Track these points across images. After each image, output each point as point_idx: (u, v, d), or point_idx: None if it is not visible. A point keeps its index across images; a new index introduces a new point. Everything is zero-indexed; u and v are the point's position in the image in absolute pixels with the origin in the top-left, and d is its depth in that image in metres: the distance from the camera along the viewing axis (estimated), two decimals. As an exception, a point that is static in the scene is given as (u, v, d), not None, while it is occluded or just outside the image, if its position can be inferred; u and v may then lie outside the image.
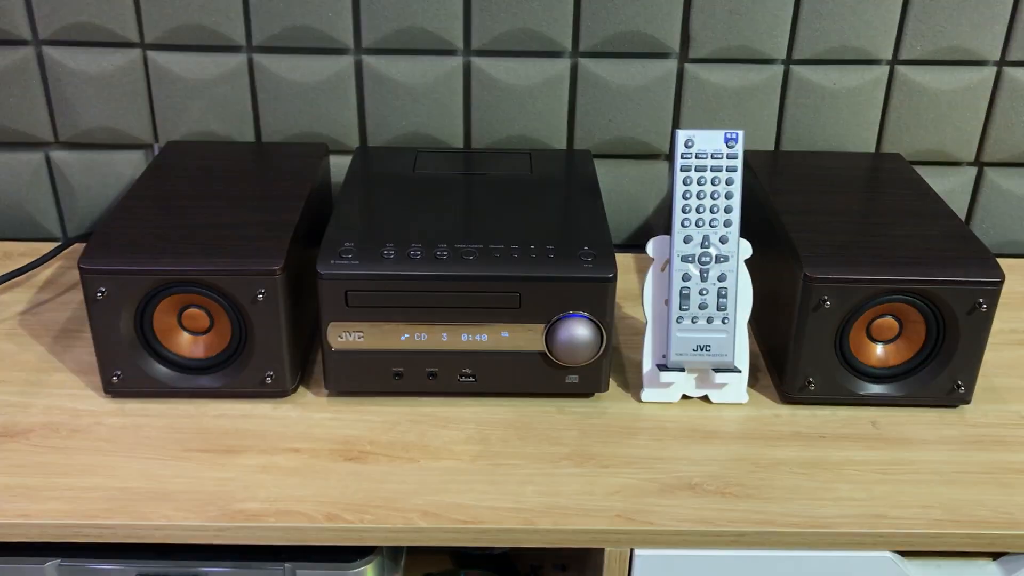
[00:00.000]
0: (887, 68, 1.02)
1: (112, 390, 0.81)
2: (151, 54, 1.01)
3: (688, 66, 1.02)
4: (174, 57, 1.01)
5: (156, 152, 1.06)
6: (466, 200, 0.88)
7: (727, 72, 1.02)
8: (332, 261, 0.77)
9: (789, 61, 1.02)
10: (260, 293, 0.76)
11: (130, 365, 0.80)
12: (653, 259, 0.81)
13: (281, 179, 0.91)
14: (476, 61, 1.02)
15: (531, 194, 0.89)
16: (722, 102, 1.03)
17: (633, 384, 0.85)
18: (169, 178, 0.92)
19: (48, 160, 1.07)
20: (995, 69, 1.02)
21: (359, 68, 1.02)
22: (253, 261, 0.77)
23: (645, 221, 1.10)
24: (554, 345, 0.79)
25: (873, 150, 1.06)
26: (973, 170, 1.08)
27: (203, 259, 0.77)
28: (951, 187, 1.08)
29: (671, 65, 1.02)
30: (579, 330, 0.78)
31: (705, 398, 0.83)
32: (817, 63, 1.02)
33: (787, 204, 0.88)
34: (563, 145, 1.06)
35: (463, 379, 0.81)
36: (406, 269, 0.77)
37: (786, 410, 0.82)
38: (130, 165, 1.07)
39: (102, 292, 0.76)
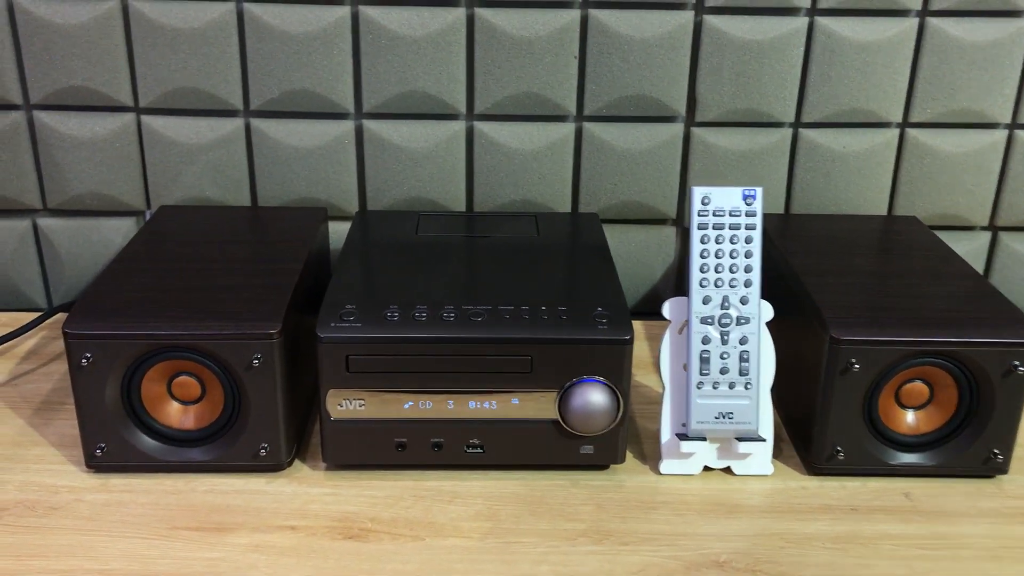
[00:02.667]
0: (897, 131, 1.01)
1: (95, 464, 0.75)
2: (145, 118, 0.99)
3: (695, 130, 1.00)
4: (169, 121, 0.99)
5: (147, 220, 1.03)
6: (472, 263, 0.85)
7: (735, 136, 1.00)
8: (332, 324, 0.73)
9: (798, 124, 1.00)
10: (256, 358, 0.72)
11: (115, 437, 0.74)
12: (670, 321, 0.77)
13: (278, 242, 0.88)
14: (479, 125, 1.00)
15: (539, 257, 0.86)
16: (730, 166, 1.01)
17: (650, 455, 0.80)
18: (161, 241, 0.88)
19: (35, 227, 1.03)
20: (1006, 132, 1.00)
21: (359, 133, 1.00)
22: (249, 324, 0.72)
23: (653, 287, 1.07)
24: (568, 413, 0.74)
25: (885, 214, 1.03)
26: (987, 235, 1.05)
27: (195, 323, 0.73)
28: (966, 251, 1.05)
29: (677, 129, 1.00)
30: (595, 396, 0.73)
31: (727, 470, 0.78)
32: (826, 126, 1.00)
33: (805, 266, 0.84)
34: (568, 210, 1.03)
35: (470, 450, 0.76)
36: (411, 332, 0.73)
37: (813, 482, 0.77)
38: (120, 232, 1.03)
39: (87, 358, 0.72)
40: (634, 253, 1.05)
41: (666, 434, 0.77)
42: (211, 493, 0.74)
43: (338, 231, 1.02)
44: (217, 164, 1.00)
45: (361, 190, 1.02)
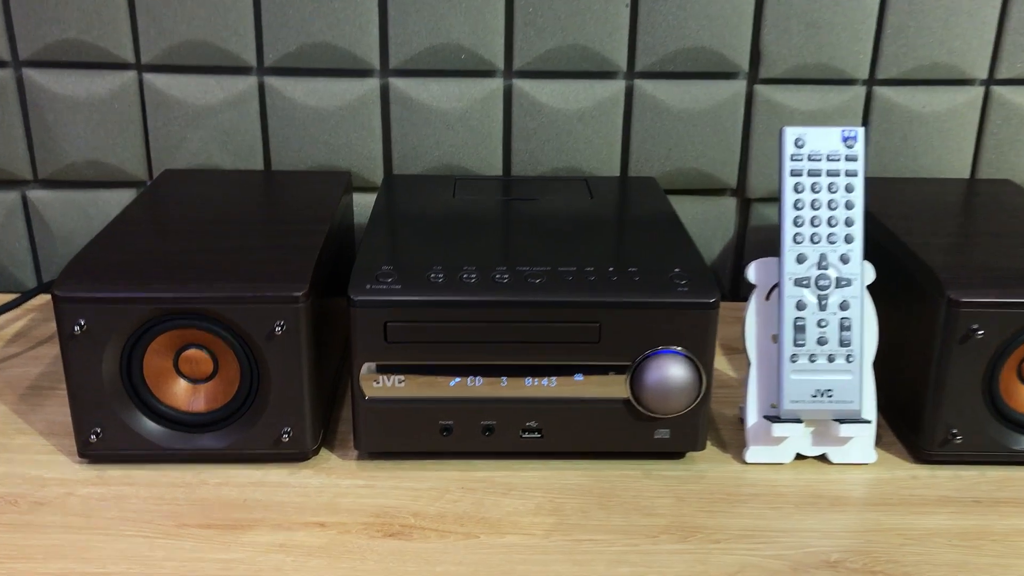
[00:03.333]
0: (982, 89, 0.91)
1: (89, 452, 0.65)
2: (147, 76, 0.89)
3: (759, 87, 0.90)
4: (174, 80, 0.89)
5: (150, 189, 0.92)
6: (522, 226, 0.74)
7: (803, 94, 0.90)
8: (368, 286, 0.63)
9: (872, 82, 0.90)
10: (279, 326, 0.62)
11: (113, 420, 0.64)
12: (756, 286, 0.67)
13: (299, 206, 0.78)
14: (518, 83, 0.90)
15: (597, 219, 0.76)
16: (797, 128, 0.91)
17: (730, 443, 0.70)
18: (165, 204, 0.78)
19: (25, 200, 0.93)
20: (1104, 88, 0.91)
21: (385, 92, 0.90)
22: (271, 287, 0.62)
23: (711, 265, 0.96)
24: (642, 389, 0.63)
25: (968, 178, 0.93)
26: (1080, 205, 0.95)
27: (207, 285, 0.62)
28: (1056, 224, 0.95)
29: (739, 86, 0.90)
30: (674, 370, 0.63)
31: (823, 457, 0.68)
32: (904, 84, 0.90)
33: (903, 227, 0.74)
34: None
35: (527, 435, 0.66)
36: (459, 295, 0.62)
37: (923, 471, 0.67)
38: (119, 205, 0.93)
39: (80, 326, 0.61)
40: (690, 226, 0.95)
41: (752, 417, 0.67)
42: (225, 486, 0.64)
43: (361, 204, 0.92)
44: (227, 127, 0.90)
45: (387, 156, 0.92)
